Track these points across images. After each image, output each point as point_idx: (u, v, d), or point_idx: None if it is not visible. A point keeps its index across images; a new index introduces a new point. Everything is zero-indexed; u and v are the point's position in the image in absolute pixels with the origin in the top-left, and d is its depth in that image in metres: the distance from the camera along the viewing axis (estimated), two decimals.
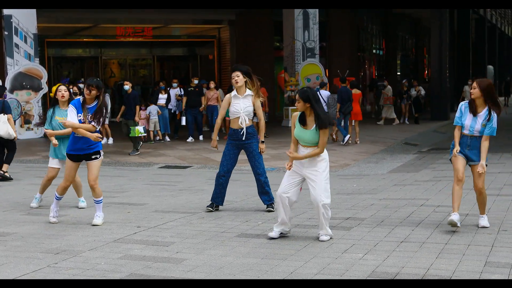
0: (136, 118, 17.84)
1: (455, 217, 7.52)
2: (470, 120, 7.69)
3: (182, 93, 21.10)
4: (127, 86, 18.23)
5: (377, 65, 39.36)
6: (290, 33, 26.29)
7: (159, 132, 20.20)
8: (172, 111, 21.15)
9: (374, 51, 38.69)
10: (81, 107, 8.09)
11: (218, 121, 9.34)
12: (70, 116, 8.08)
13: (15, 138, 12.96)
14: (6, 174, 12.79)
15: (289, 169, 7.39)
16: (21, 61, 21.52)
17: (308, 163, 7.29)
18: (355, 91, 19.15)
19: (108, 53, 30.74)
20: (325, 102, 19.19)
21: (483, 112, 7.64)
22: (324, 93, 19.64)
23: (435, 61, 28.25)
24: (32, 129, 21.63)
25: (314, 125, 7.25)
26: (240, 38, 28.78)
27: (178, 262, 6.52)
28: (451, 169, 12.54)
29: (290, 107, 24.97)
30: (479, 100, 7.63)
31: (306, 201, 9.54)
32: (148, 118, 19.87)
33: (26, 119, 21.49)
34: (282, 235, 7.55)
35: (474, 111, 7.65)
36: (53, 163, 9.29)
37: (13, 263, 6.49)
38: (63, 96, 9.31)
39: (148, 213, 9.09)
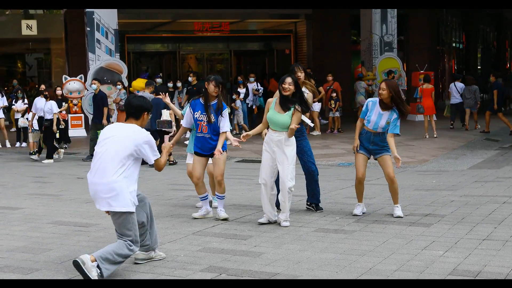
0: (104, 121, 16.21)
1: (357, 210, 8.44)
2: (376, 117, 8.19)
3: (260, 87, 21.16)
4: (95, 86, 17.15)
5: (457, 59, 38.49)
6: (368, 27, 26.00)
7: (243, 126, 20.30)
8: (249, 105, 21.24)
9: (454, 44, 37.83)
10: (199, 106, 8.19)
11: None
12: (184, 118, 8.48)
13: (174, 131, 14.32)
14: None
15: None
16: (103, 56, 22.02)
17: (278, 148, 7.83)
18: (427, 86, 19.36)
19: (186, 48, 31.15)
20: (459, 93, 20.79)
21: (389, 111, 8.14)
22: (459, 85, 21.14)
23: None
24: (113, 122, 22.09)
25: (289, 111, 7.80)
26: (317, 32, 28.64)
27: (256, 255, 6.56)
28: None
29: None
30: (387, 100, 8.12)
31: (384, 196, 9.46)
32: None
33: (108, 114, 21.92)
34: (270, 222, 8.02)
35: (381, 109, 8.16)
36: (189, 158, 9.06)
37: None
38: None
39: (225, 206, 9.16)
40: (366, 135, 8.30)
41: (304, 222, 8.08)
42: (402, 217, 8.22)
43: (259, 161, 14.89)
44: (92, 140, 15.71)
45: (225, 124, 8.16)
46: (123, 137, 5.86)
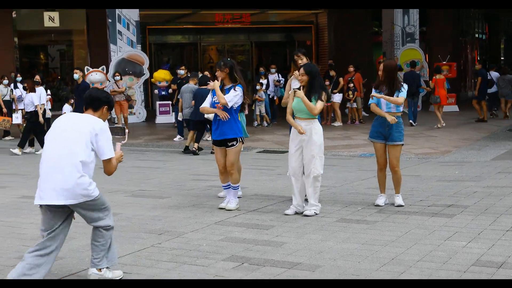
0: None
1: (379, 200, 8.39)
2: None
3: (281, 78, 21.12)
4: (77, 75, 16.61)
5: (480, 50, 38.15)
6: (390, 18, 25.85)
7: (265, 117, 20.33)
8: (270, 96, 21.19)
9: (476, 35, 37.49)
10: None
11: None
12: (205, 102, 8.66)
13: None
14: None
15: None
16: (124, 47, 22.12)
17: (306, 136, 7.85)
18: (439, 77, 19.56)
19: (207, 39, 31.16)
20: (495, 82, 21.23)
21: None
22: (494, 75, 21.59)
23: None
24: (135, 113, 22.21)
25: (313, 97, 7.86)
26: (338, 23, 28.52)
27: (278, 245, 6.56)
28: None
29: None
30: (385, 80, 8.31)
31: (406, 187, 9.41)
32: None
33: (129, 104, 22.00)
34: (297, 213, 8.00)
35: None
36: None
37: (118, 242, 6.67)
38: None
39: (247, 196, 9.18)
40: (381, 120, 8.36)
41: (326, 212, 8.07)
42: (403, 205, 8.29)
43: (281, 152, 14.99)
44: None
45: (229, 95, 8.26)
46: (79, 126, 5.49)
